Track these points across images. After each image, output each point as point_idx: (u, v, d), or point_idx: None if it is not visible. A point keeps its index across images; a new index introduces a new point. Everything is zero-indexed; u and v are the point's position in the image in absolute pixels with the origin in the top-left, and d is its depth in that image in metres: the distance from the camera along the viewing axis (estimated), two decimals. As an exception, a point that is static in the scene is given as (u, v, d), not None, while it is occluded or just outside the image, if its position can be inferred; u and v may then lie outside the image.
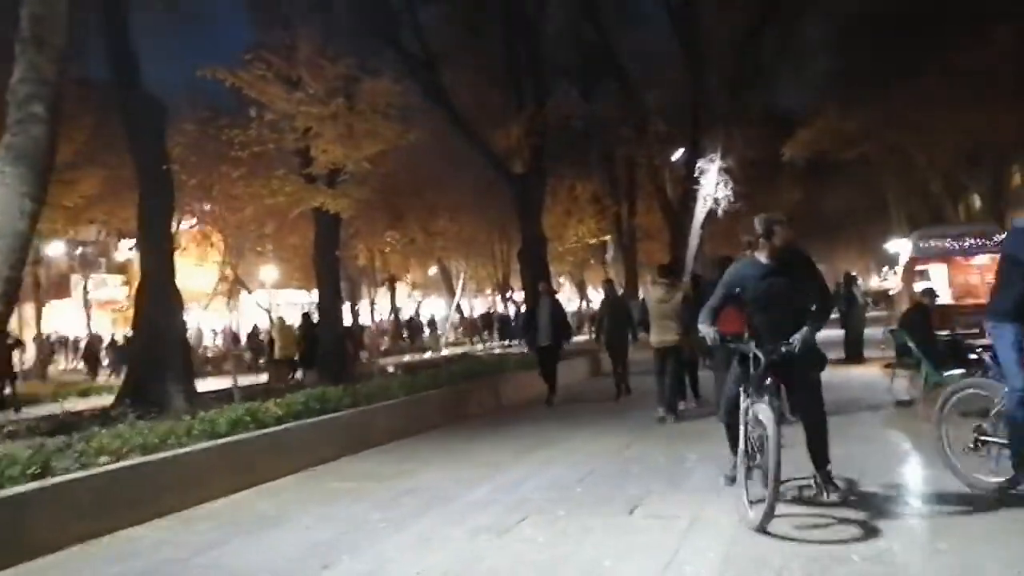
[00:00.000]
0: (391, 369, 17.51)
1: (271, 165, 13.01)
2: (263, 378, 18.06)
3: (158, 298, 10.80)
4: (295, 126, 12.12)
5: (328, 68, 12.31)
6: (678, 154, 28.23)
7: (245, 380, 19.27)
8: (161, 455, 6.40)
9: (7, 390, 16.26)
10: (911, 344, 9.22)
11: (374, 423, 9.10)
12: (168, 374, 10.24)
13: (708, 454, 7.33)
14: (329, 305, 14.14)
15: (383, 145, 12.74)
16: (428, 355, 27.68)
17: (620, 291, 34.17)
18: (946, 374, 8.83)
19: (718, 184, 26.34)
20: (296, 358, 16.73)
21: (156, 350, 10.52)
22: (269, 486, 7.13)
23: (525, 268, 21.06)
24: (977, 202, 35.58)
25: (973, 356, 10.61)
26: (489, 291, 47.16)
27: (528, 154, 19.59)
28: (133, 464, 6.14)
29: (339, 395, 8.99)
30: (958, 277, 14.31)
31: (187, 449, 6.67)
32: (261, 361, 25.00)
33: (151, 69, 14.72)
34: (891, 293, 22.11)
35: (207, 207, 21.16)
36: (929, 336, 10.43)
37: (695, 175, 26.05)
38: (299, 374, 16.76)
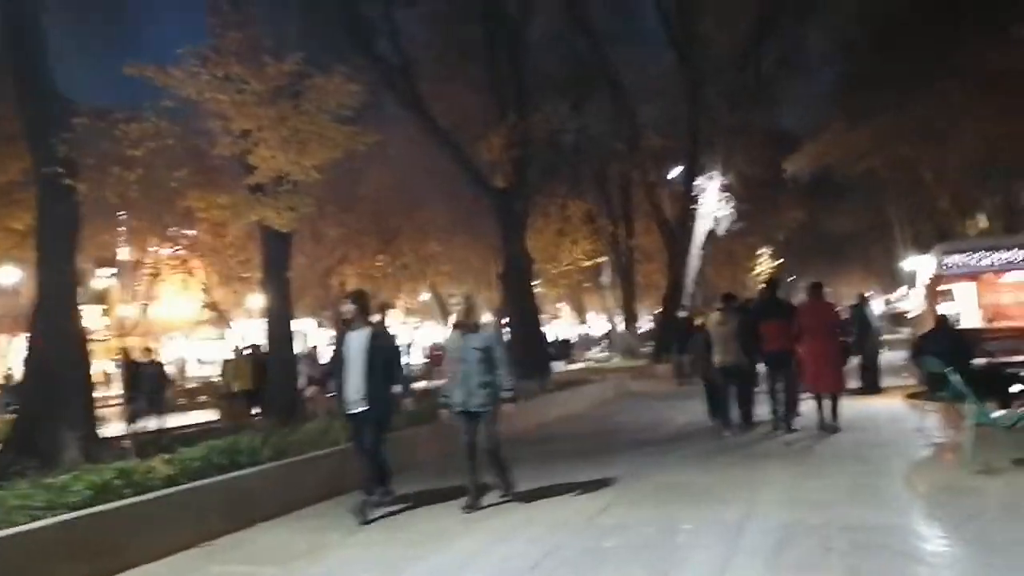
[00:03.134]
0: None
1: (213, 175, 11.53)
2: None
3: (54, 328, 9.17)
4: (230, 128, 10.60)
5: (272, 66, 10.83)
6: (676, 171, 26.90)
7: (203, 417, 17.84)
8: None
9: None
10: (949, 375, 7.58)
11: (300, 480, 7.42)
12: (62, 419, 8.61)
13: (708, 520, 5.74)
14: (278, 333, 12.53)
15: (334, 151, 11.22)
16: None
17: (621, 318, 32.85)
18: (994, 415, 7.22)
19: (718, 203, 25.03)
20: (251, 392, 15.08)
21: (49, 390, 8.89)
22: (134, 574, 5.49)
23: (508, 291, 19.48)
24: (984, 220, 34.20)
25: (1017, 388, 9.15)
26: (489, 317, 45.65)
27: (510, 168, 18.09)
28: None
29: (255, 446, 7.35)
30: (988, 297, 12.73)
31: (16, 530, 5.05)
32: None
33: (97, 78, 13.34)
34: (909, 315, 20.51)
35: (188, 232, 19.93)
36: (963, 363, 8.90)
37: (694, 193, 24.72)
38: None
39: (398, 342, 7.88)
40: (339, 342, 7.09)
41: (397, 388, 7.02)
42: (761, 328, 9.84)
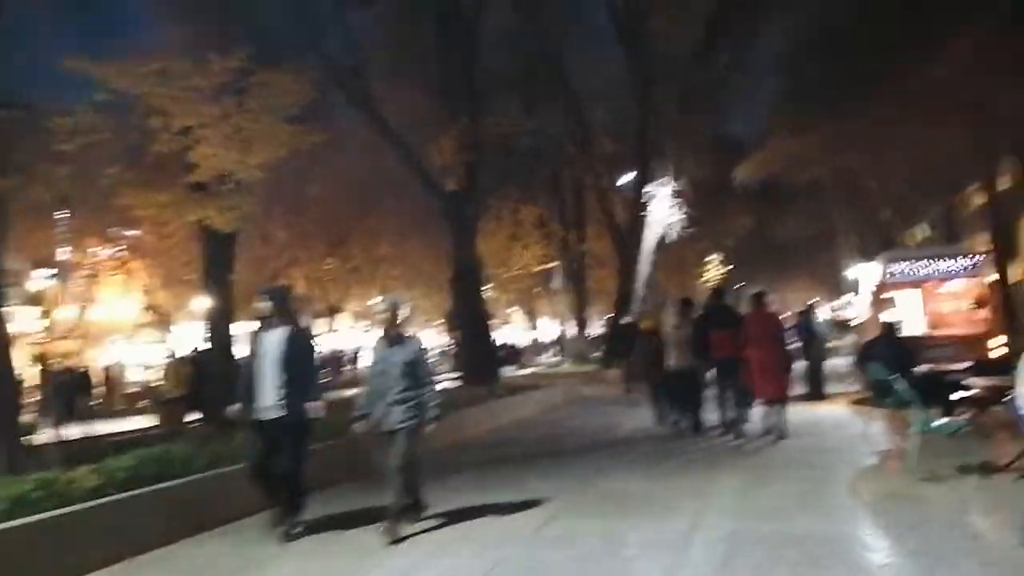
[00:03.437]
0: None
1: (152, 173, 11.12)
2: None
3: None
4: (170, 125, 10.24)
5: (216, 62, 10.51)
6: (627, 177, 27.00)
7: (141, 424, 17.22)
8: None
9: None
10: (894, 382, 7.62)
11: (237, 491, 7.05)
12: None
13: (656, 530, 5.64)
14: (219, 336, 12.14)
15: (279, 150, 10.94)
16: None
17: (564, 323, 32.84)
18: (938, 422, 7.28)
19: (668, 209, 25.19)
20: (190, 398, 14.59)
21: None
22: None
23: (458, 295, 19.27)
24: (927, 230, 35.13)
25: (957, 395, 9.27)
26: (439, 321, 45.28)
27: (461, 171, 17.90)
28: None
29: (189, 454, 7.04)
30: (931, 305, 12.95)
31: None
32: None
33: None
34: (853, 323, 20.86)
35: (130, 232, 19.31)
36: (907, 370, 8.99)
37: (644, 199, 24.84)
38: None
39: (316, 345, 7.21)
40: (253, 342, 6.35)
41: (312, 403, 6.23)
42: (710, 335, 10.00)
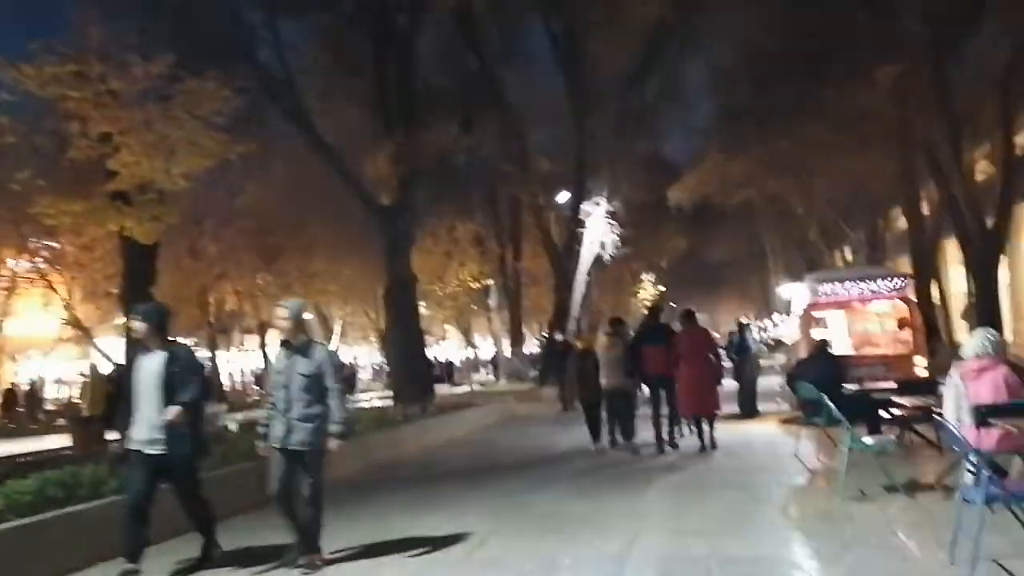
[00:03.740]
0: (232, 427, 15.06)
1: (67, 181, 10.60)
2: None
3: None
4: (87, 131, 9.78)
5: (138, 66, 10.10)
6: (563, 196, 27.16)
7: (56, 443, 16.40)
8: None
9: None
10: (825, 402, 7.68)
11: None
12: None
13: (588, 553, 5.50)
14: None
15: (205, 160, 10.57)
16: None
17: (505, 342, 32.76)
18: (866, 441, 7.34)
19: (604, 228, 25.40)
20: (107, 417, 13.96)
21: None
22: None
23: (391, 311, 18.94)
24: (852, 252, 36.24)
25: (884, 414, 9.44)
26: (374, 339, 44.61)
27: (395, 185, 17.65)
28: None
29: (99, 476, 6.61)
30: (857, 324, 13.24)
31: None
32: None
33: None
34: (786, 342, 21.26)
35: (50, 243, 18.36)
36: (837, 389, 9.11)
37: (580, 218, 25.00)
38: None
39: (203, 367, 6.44)
40: (128, 367, 5.64)
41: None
42: (644, 352, 10.29)
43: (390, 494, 8.42)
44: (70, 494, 6.29)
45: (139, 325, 5.55)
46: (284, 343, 5.62)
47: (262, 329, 40.24)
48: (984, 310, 16.78)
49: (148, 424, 5.36)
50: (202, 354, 37.38)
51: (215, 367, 35.66)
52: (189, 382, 5.46)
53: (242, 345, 39.13)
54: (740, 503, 6.95)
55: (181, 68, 10.63)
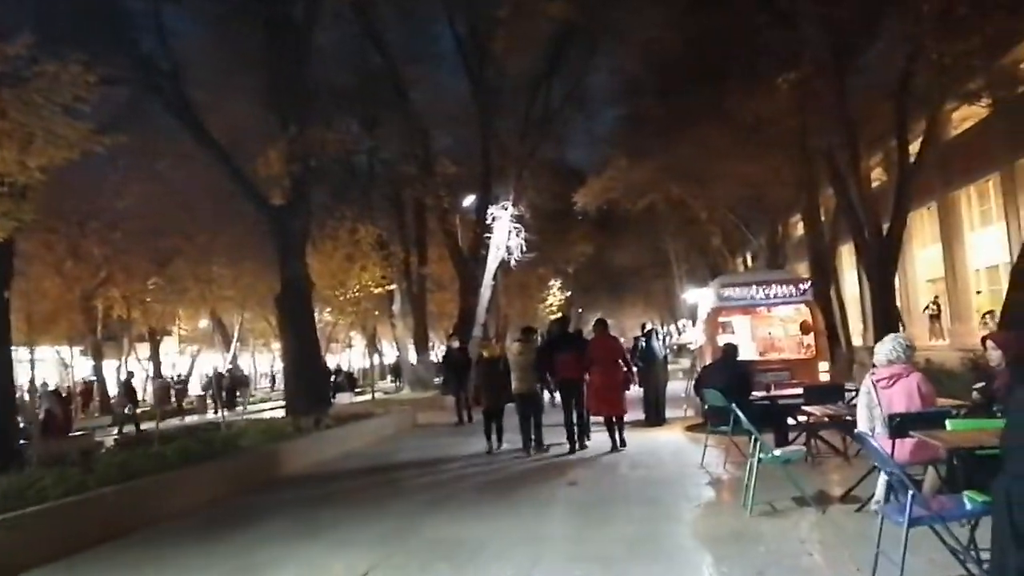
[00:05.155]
0: (110, 443, 13.84)
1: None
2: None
3: None
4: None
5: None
6: (469, 200, 26.61)
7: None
8: None
9: None
10: (734, 410, 7.36)
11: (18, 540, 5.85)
12: None
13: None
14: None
15: (67, 151, 9.48)
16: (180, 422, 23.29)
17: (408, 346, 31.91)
18: (775, 452, 7.05)
19: (510, 233, 25.00)
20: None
21: None
22: None
23: (284, 316, 17.91)
24: (752, 258, 37.05)
25: (791, 421, 9.24)
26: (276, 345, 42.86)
27: (288, 183, 16.64)
28: None
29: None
30: (761, 329, 13.15)
31: None
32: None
33: None
34: (692, 347, 21.28)
35: None
36: (744, 396, 8.86)
37: (487, 222, 24.50)
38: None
39: None
40: None
41: None
42: (556, 358, 10.77)
43: (269, 518, 7.64)
44: None
45: None
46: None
47: (154, 336, 38.18)
48: (879, 314, 17.13)
49: None
50: (87, 363, 35.12)
51: (100, 378, 33.50)
52: None
53: (133, 353, 36.92)
54: (647, 522, 6.51)
55: (42, 51, 9.55)
